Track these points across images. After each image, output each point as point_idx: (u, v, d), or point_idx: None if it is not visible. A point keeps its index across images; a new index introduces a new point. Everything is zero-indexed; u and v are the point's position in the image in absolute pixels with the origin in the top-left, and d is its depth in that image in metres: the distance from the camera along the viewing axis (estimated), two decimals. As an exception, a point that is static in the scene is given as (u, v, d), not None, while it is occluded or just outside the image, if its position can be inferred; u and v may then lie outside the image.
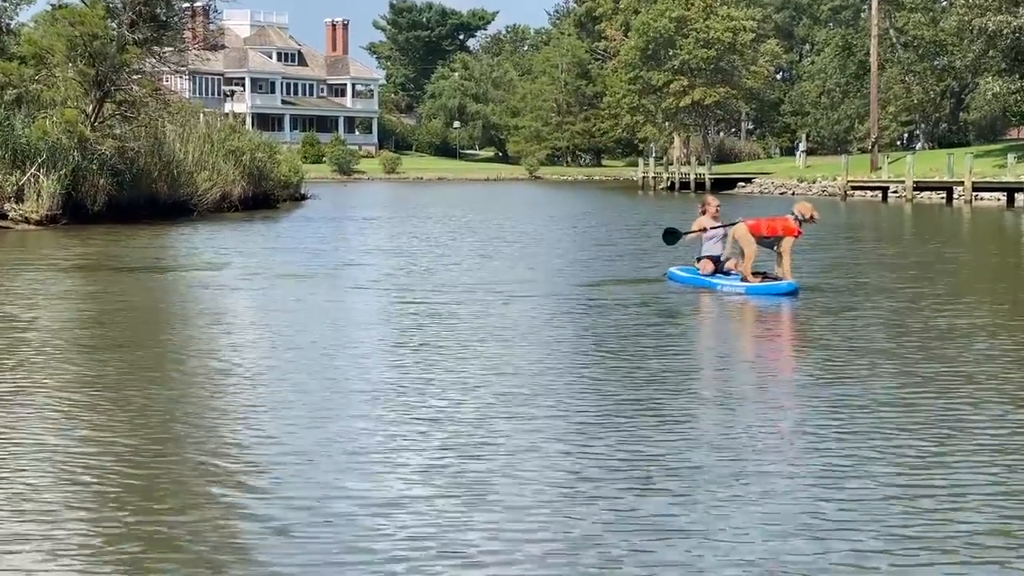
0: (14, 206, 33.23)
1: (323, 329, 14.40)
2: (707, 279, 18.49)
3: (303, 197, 54.39)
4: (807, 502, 7.15)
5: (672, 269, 19.57)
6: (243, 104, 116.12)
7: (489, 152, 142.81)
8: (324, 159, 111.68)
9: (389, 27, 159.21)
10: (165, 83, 47.30)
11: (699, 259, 19.16)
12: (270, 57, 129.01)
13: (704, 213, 19.56)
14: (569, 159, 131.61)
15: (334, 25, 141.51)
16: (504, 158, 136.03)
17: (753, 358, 12.85)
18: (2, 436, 8.71)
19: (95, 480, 7.61)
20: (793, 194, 70.14)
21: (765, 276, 17.92)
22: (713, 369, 12.07)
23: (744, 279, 17.87)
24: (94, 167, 35.00)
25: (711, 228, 19.15)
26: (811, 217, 17.89)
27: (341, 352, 12.60)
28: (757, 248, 17.87)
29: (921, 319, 15.11)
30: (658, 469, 7.87)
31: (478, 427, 9.05)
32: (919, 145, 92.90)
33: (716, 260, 18.84)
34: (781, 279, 17.61)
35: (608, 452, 8.30)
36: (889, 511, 6.98)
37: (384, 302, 17.23)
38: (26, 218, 33.13)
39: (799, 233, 17.89)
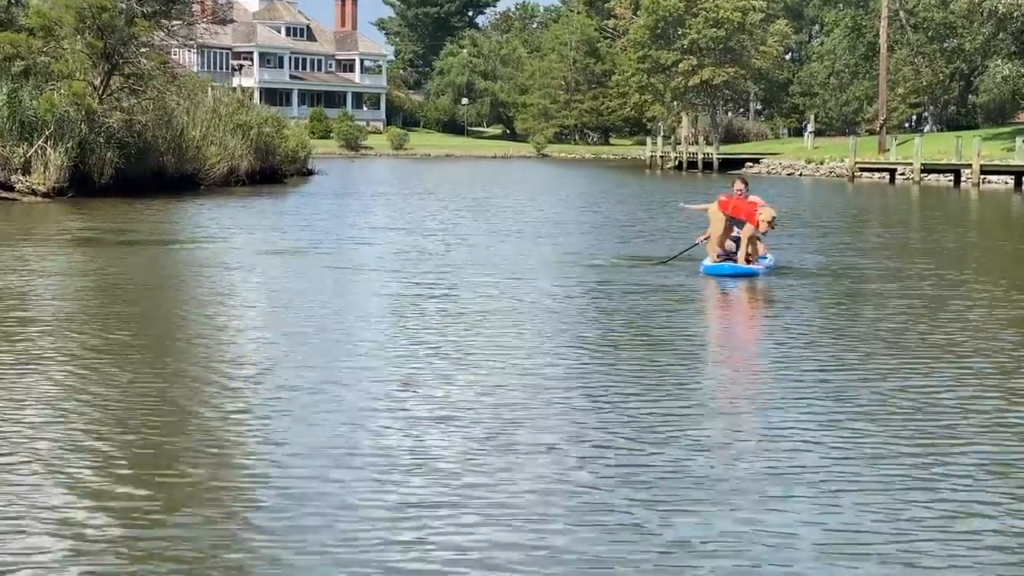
0: (21, 178, 33.26)
1: (325, 307, 14.43)
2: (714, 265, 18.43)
3: (310, 172, 54.35)
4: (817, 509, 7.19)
5: None
6: (251, 79, 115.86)
7: (497, 129, 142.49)
8: (332, 135, 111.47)
9: (398, 3, 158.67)
10: (173, 56, 47.25)
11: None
12: (279, 32, 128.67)
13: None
14: (577, 137, 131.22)
15: (343, 0, 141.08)
16: (512, 135, 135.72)
17: (763, 347, 12.87)
18: (1, 408, 8.77)
19: (90, 454, 7.67)
20: (801, 175, 69.96)
21: (729, 256, 17.88)
22: (722, 359, 12.09)
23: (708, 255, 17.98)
24: (101, 140, 35.02)
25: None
26: (771, 222, 17.72)
27: (342, 330, 12.63)
28: (725, 226, 17.81)
29: (943, 308, 15.12)
30: (660, 473, 7.87)
31: (469, 408, 9.10)
32: (927, 127, 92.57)
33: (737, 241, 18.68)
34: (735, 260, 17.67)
35: (606, 448, 8.34)
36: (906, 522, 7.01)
37: (388, 282, 17.24)
38: (33, 190, 33.16)
39: (758, 226, 17.74)
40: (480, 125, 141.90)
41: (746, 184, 19.59)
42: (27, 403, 8.84)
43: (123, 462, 7.39)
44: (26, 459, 7.41)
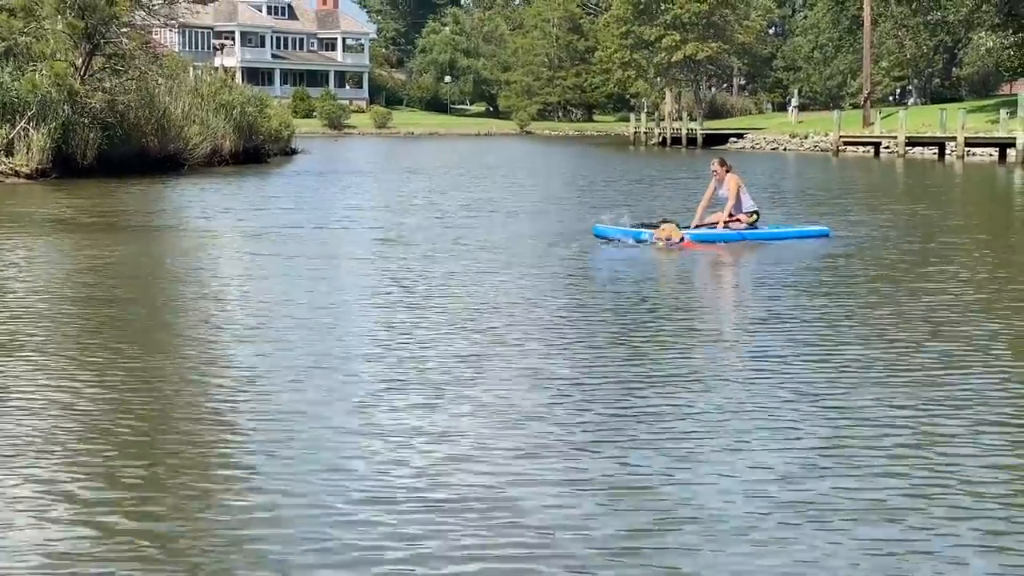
0: (4, 159, 33.09)
1: (310, 288, 14.36)
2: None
3: (293, 152, 54.24)
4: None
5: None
6: (233, 58, 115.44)
7: (480, 107, 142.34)
8: (314, 114, 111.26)
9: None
10: (154, 36, 47.03)
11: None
12: (260, 11, 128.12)
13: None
14: (560, 114, 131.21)
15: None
16: (495, 113, 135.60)
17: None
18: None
19: (68, 442, 7.59)
20: (785, 149, 69.96)
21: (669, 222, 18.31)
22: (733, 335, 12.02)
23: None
24: (84, 121, 34.85)
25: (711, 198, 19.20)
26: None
27: (328, 311, 12.57)
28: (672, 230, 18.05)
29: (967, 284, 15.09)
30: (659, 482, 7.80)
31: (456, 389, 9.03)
32: (911, 100, 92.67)
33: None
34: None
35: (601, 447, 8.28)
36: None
37: (371, 265, 17.15)
38: (16, 171, 33.00)
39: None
40: (463, 103, 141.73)
41: (723, 164, 19.41)
42: (4, 390, 8.75)
43: (102, 452, 7.31)
44: (6, 446, 7.33)
